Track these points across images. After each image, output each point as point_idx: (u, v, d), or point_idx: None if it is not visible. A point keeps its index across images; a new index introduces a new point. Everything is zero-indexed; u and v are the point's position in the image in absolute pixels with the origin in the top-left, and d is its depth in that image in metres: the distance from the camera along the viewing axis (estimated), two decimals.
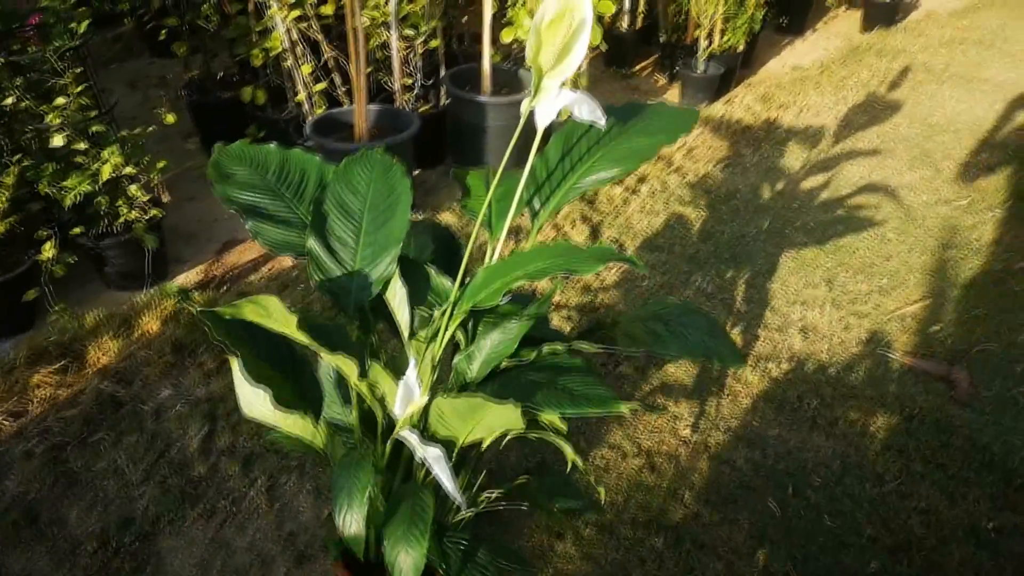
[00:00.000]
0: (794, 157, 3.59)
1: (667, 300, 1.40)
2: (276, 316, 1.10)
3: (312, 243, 1.32)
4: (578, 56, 1.12)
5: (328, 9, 2.99)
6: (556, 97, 1.17)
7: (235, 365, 1.20)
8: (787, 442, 2.13)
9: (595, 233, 3.00)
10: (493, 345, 1.29)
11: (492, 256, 1.40)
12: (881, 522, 1.91)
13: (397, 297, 1.32)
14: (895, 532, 1.88)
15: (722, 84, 4.17)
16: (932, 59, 4.66)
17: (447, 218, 3.09)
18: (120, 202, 2.51)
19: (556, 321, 2.53)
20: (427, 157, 3.52)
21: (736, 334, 2.52)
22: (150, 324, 2.47)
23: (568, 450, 1.38)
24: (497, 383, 1.26)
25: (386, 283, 1.32)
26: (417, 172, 3.49)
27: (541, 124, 1.22)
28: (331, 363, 1.32)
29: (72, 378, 2.29)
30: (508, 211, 1.41)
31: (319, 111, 3.12)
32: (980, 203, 3.21)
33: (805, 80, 4.34)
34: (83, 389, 2.24)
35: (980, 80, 4.39)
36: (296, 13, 2.91)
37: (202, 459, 2.03)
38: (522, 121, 1.18)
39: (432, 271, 1.38)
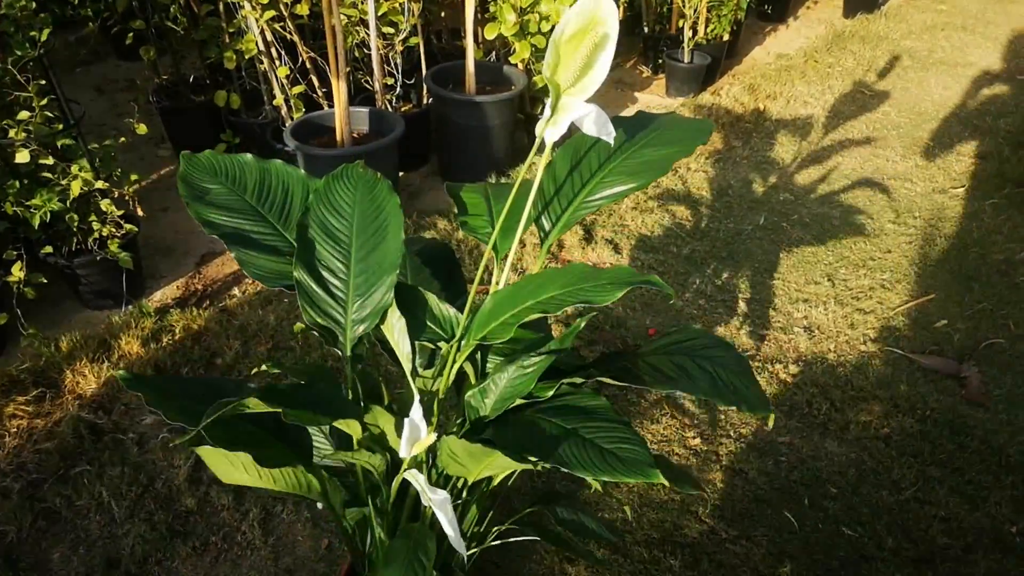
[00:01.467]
0: (785, 149, 3.52)
1: (691, 329, 1.31)
2: (259, 408, 1.00)
3: (300, 274, 1.21)
4: (601, 72, 1.02)
5: (303, 8, 2.86)
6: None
7: (205, 453, 1.08)
8: (799, 450, 2.06)
9: (588, 234, 2.92)
10: (509, 381, 1.20)
11: (500, 279, 1.30)
12: (902, 532, 1.84)
13: (396, 330, 1.23)
14: (918, 542, 1.82)
15: (708, 75, 4.10)
16: (916, 45, 4.61)
17: (435, 223, 2.99)
18: (92, 218, 2.38)
19: (553, 326, 2.44)
20: (410, 159, 3.41)
21: (741, 336, 2.45)
22: (129, 345, 2.35)
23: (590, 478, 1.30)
24: (513, 427, 1.16)
25: (383, 314, 1.22)
26: (401, 175, 3.38)
27: (551, 139, 1.13)
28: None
29: (48, 407, 2.16)
30: (515, 228, 1.31)
31: (297, 115, 2.99)
32: (976, 191, 3.17)
33: (791, 69, 4.28)
34: (60, 419, 2.11)
35: (965, 65, 4.35)
36: (270, 14, 2.78)
37: (190, 491, 1.92)
38: (537, 142, 1.09)
39: (431, 298, 1.28)
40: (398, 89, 3.31)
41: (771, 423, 1.27)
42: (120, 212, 2.44)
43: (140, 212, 2.51)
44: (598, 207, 1.30)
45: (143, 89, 3.45)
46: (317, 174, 2.75)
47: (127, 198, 2.48)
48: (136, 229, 2.48)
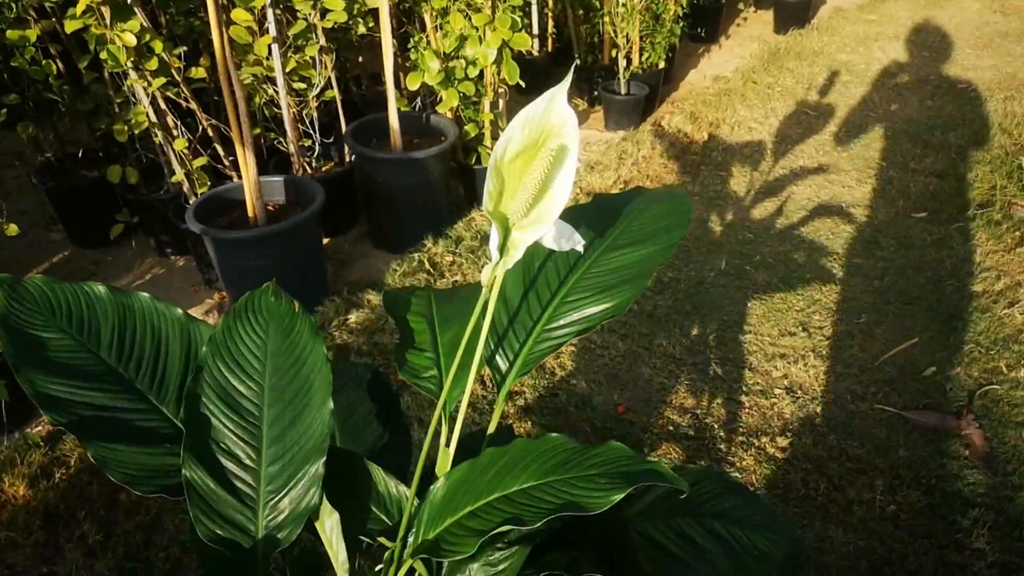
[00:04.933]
0: (736, 182, 3.33)
1: (690, 471, 1.05)
2: None
3: (192, 471, 0.90)
4: (562, 195, 0.76)
5: (199, 72, 2.54)
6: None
7: None
8: (802, 542, 1.82)
9: None
10: None
11: (450, 441, 1.02)
12: None
13: (327, 527, 0.93)
14: None
15: (647, 105, 3.90)
16: (852, 58, 4.52)
17: (367, 299, 2.67)
18: None
19: (511, 413, 2.16)
20: (337, 222, 3.10)
21: (718, 406, 2.20)
22: (14, 488, 1.98)
23: None
24: None
25: (308, 518, 0.92)
26: (327, 241, 3.07)
27: (503, 268, 0.86)
28: None
29: None
30: (467, 370, 1.04)
31: (203, 189, 2.66)
32: (939, 215, 3.02)
33: (730, 92, 4.12)
34: None
35: (905, 77, 4.26)
36: (161, 80, 2.45)
37: None
38: (484, 292, 0.81)
39: (376, 473, 0.98)
40: (317, 149, 3.00)
41: None
42: None
43: None
44: (565, 339, 1.02)
45: (32, 159, 3.06)
46: (230, 261, 2.43)
47: None
48: None
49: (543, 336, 1.04)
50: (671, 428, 2.13)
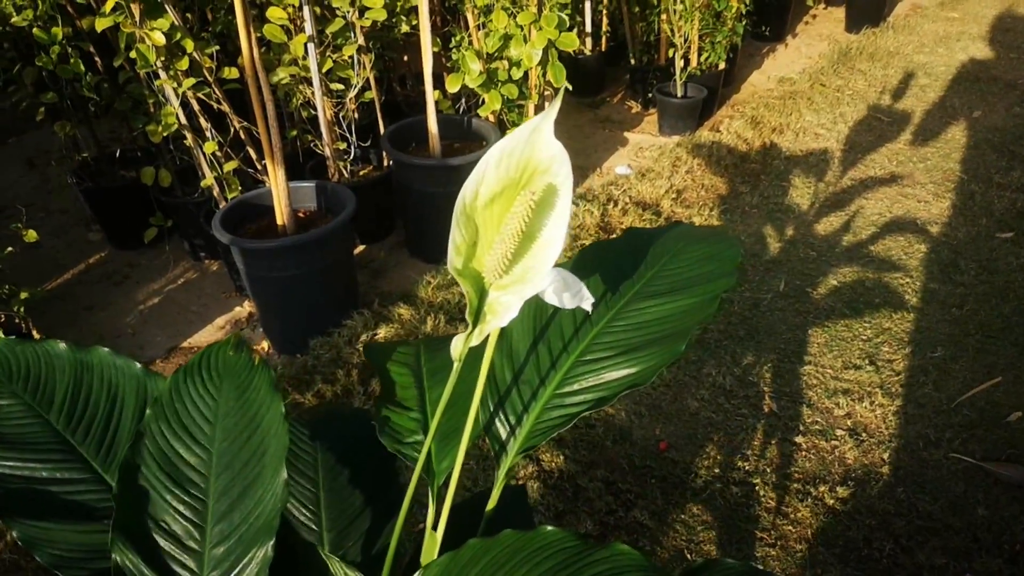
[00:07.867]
0: (800, 193, 3.09)
1: (724, 566, 0.87)
2: None
3: (122, 555, 0.77)
4: (553, 246, 0.60)
5: (232, 72, 2.44)
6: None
7: None
8: None
9: None
10: None
11: (436, 521, 0.86)
12: None
13: None
14: None
15: (705, 108, 3.67)
16: (931, 60, 4.19)
17: (398, 313, 2.54)
18: None
19: (541, 446, 2.00)
20: (373, 229, 2.99)
21: (771, 447, 2.00)
22: None
23: None
24: None
25: None
26: (362, 248, 2.96)
27: (479, 339, 0.70)
28: None
29: None
30: (457, 435, 0.88)
31: (233, 194, 2.56)
32: None
33: (796, 96, 3.86)
34: None
35: (989, 81, 3.93)
36: (191, 81, 2.36)
37: None
38: (455, 366, 0.65)
39: (336, 565, 0.83)
40: (353, 152, 2.88)
41: None
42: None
43: (36, 335, 2.08)
44: (580, 411, 0.85)
45: (61, 168, 3.03)
46: (256, 270, 2.32)
47: (18, 320, 2.05)
48: None
49: (554, 402, 0.87)
50: (717, 470, 1.94)
